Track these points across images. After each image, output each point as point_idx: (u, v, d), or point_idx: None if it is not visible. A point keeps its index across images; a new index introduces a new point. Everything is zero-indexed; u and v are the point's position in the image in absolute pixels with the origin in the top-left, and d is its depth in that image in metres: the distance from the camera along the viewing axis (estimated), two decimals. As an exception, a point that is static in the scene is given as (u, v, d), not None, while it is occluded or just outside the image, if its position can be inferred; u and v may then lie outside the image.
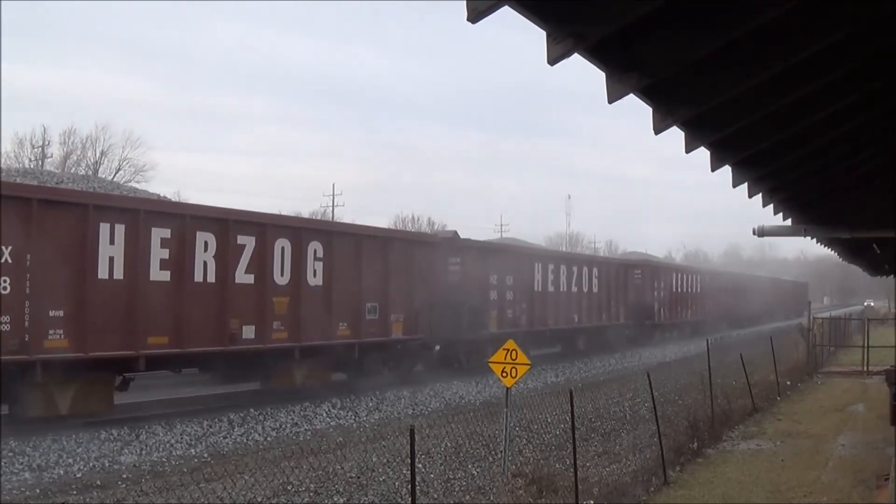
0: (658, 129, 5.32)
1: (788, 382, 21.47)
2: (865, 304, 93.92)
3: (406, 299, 21.32)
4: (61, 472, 11.77)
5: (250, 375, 18.31)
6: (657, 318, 40.25)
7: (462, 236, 29.29)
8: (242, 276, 16.67)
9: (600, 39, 4.21)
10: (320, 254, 18.61)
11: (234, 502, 8.64)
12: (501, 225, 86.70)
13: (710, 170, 6.70)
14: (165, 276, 15.27)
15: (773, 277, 79.55)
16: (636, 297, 37.86)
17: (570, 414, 9.85)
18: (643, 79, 4.66)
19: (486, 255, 25.82)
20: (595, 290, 32.79)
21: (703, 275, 50.10)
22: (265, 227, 17.42)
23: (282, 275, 17.58)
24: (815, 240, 15.14)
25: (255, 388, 18.78)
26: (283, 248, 17.65)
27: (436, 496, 9.94)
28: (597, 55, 4.44)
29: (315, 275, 18.46)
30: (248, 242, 16.84)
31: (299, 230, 18.56)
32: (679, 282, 44.12)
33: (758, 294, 60.60)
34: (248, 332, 16.68)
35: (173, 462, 12.53)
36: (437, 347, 23.64)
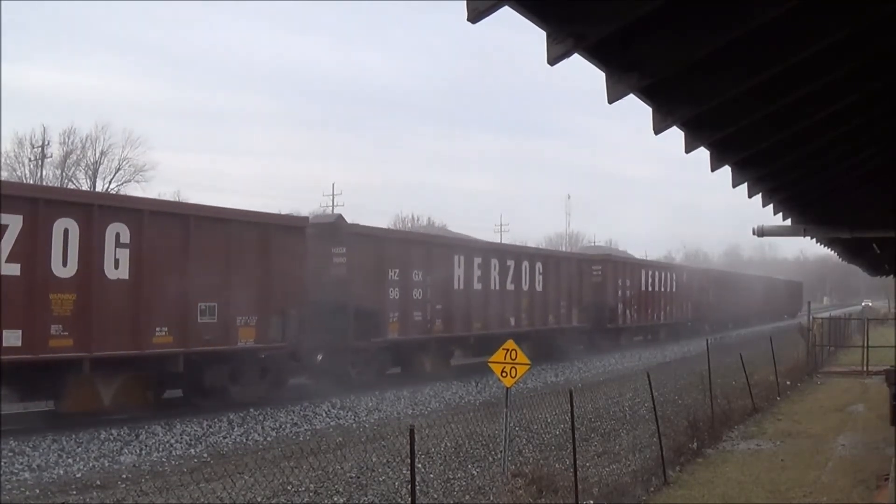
0: (658, 129, 5.32)
1: (788, 382, 21.48)
2: (863, 304, 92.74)
3: (261, 298, 17.14)
4: (61, 471, 11.77)
5: (29, 393, 14.76)
6: (621, 320, 35.72)
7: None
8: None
9: (600, 39, 4.21)
10: (125, 238, 14.81)
11: (233, 502, 8.64)
12: (501, 225, 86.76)
13: (710, 170, 6.70)
14: None
15: (763, 276, 76.15)
16: (595, 296, 33.43)
17: (569, 414, 9.85)
18: (643, 79, 4.66)
19: (383, 246, 21.32)
20: (539, 288, 28.27)
21: (679, 272, 45.41)
22: (37, 202, 13.73)
23: (64, 265, 13.89)
24: (815, 240, 15.14)
25: (47, 409, 15.43)
26: (66, 231, 13.95)
27: (436, 496, 9.94)
28: (597, 55, 4.43)
29: (117, 266, 14.68)
30: (13, 222, 13.21)
31: (91, 207, 14.58)
32: (649, 280, 39.43)
33: (746, 293, 56.77)
34: (11, 338, 13.05)
35: (173, 462, 12.53)
36: (320, 357, 19.99)
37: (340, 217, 21.33)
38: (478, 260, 25.04)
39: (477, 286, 24.85)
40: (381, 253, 21.11)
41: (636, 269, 38.44)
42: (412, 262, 22.09)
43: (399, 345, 21.85)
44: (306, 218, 22.48)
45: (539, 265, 28.67)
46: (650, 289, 39.34)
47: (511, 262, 26.95)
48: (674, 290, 42.74)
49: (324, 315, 18.79)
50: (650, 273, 40.05)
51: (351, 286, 20.00)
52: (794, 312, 76.97)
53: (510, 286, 26.61)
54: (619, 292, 35.43)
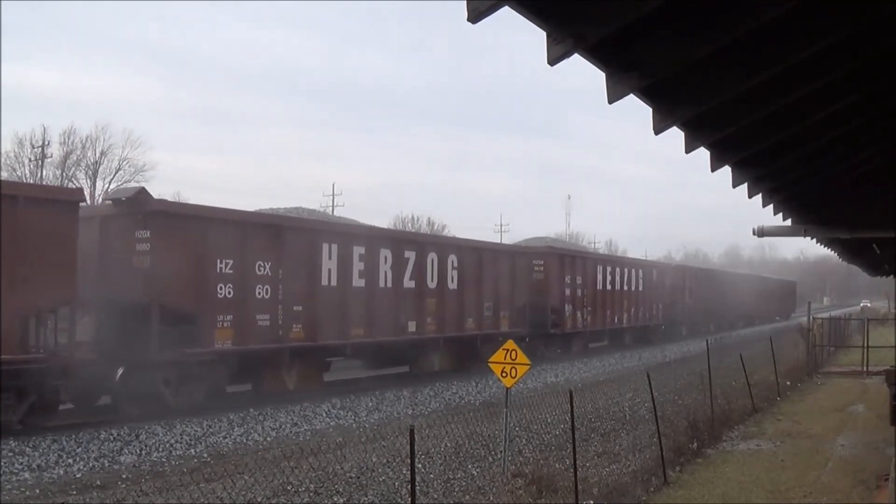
0: (658, 129, 5.32)
1: (788, 382, 21.47)
2: (862, 304, 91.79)
3: (5, 296, 12.91)
4: (61, 472, 11.77)
5: None
6: (569, 324, 30.36)
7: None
8: None
9: (600, 39, 4.22)
10: None
11: (233, 502, 8.64)
12: (501, 225, 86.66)
13: (710, 170, 6.70)
14: None
15: (752, 274, 71.88)
16: (536, 296, 28.36)
17: (569, 414, 9.85)
18: (643, 79, 4.67)
19: (207, 229, 16.33)
20: (453, 285, 23.31)
21: (647, 269, 40.04)
22: None
23: None
24: (814, 240, 15.14)
25: None
26: None
27: (436, 496, 9.94)
28: (597, 55, 4.44)
29: None
30: None
31: None
32: (608, 277, 34.22)
33: (731, 293, 52.26)
34: None
35: (173, 462, 12.53)
36: (120, 373, 15.41)
37: (143, 191, 16.74)
38: (359, 250, 20.00)
39: (358, 283, 19.86)
40: (206, 238, 16.21)
41: (590, 265, 33.09)
42: (255, 252, 17.14)
43: (237, 357, 17.00)
44: (80, 189, 18.66)
45: (453, 258, 23.51)
46: (609, 287, 34.22)
47: (411, 254, 21.83)
48: (640, 288, 37.69)
49: (118, 319, 15.22)
50: (609, 269, 34.70)
51: (156, 281, 15.51)
52: (788, 314, 74.48)
53: (409, 283, 21.58)
54: (568, 291, 30.41)
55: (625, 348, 35.26)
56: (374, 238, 21.28)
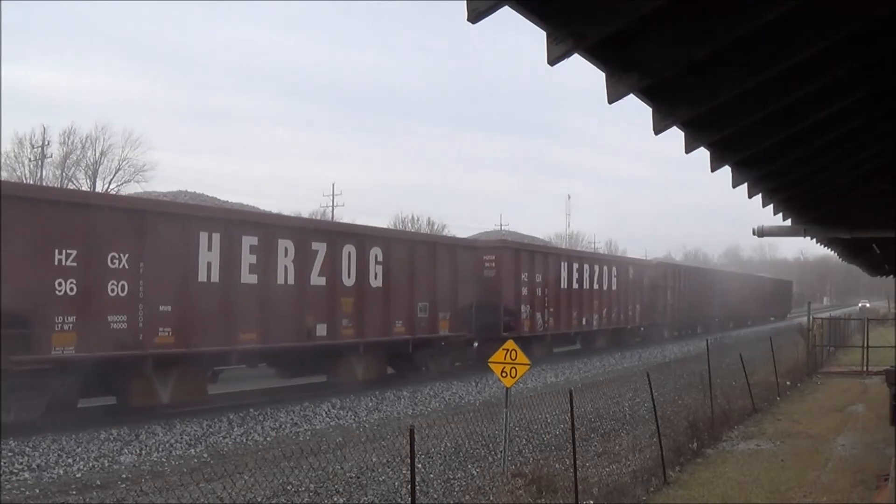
0: (658, 129, 5.32)
1: (788, 382, 21.48)
2: (860, 305, 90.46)
3: None
4: (61, 471, 11.77)
5: None
6: (526, 326, 27.00)
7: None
8: None
9: (600, 39, 4.22)
10: None
11: (233, 502, 8.64)
12: (501, 224, 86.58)
13: (710, 170, 6.70)
14: None
15: (746, 273, 70.05)
16: (486, 296, 25.01)
17: (569, 414, 9.85)
18: (643, 79, 4.66)
19: (44, 214, 13.65)
20: (376, 283, 20.30)
21: (621, 266, 36.82)
22: None
23: None
24: (814, 240, 15.14)
25: None
26: None
27: (436, 496, 9.94)
28: (597, 55, 4.44)
29: None
30: None
31: None
32: (574, 274, 30.67)
33: (721, 293, 49.76)
34: None
35: (173, 462, 12.53)
36: None
37: None
38: (250, 240, 16.96)
39: (248, 279, 16.84)
40: (40, 225, 13.57)
41: (553, 261, 29.62)
42: (107, 241, 14.44)
43: (84, 365, 14.18)
44: None
45: (376, 252, 20.43)
46: (577, 286, 30.90)
47: (320, 246, 18.80)
48: (614, 287, 34.38)
49: None
50: (576, 266, 31.25)
51: None
52: (784, 314, 72.58)
53: (318, 280, 18.63)
54: (525, 290, 27.08)
55: (597, 353, 32.55)
56: (270, 227, 18.03)
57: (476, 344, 25.19)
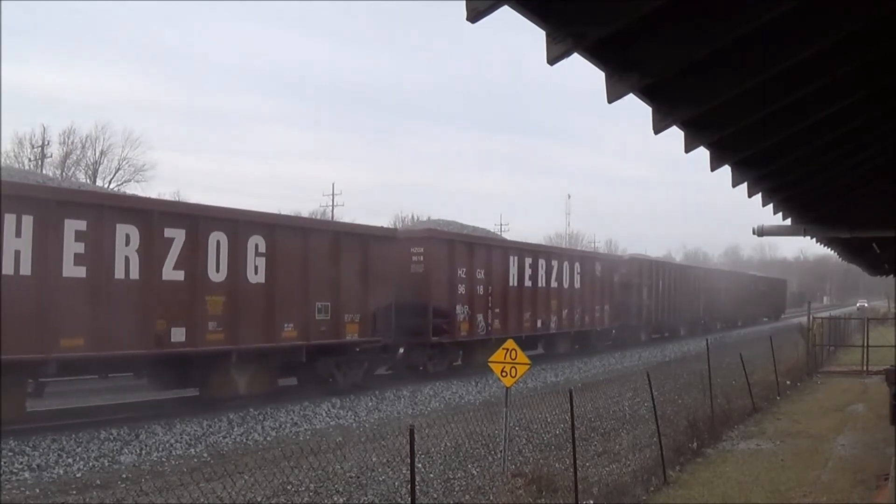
0: (658, 129, 5.32)
1: (788, 382, 21.48)
2: (858, 305, 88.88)
3: None
4: (61, 471, 11.78)
5: None
6: (463, 329, 23.58)
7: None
8: None
9: (600, 39, 4.22)
10: None
11: (233, 502, 8.64)
12: (501, 224, 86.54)
13: (710, 170, 6.70)
14: None
15: (737, 272, 67.12)
16: (411, 295, 21.57)
17: (569, 413, 9.85)
18: (643, 79, 4.66)
19: None
20: (258, 279, 16.90)
21: (587, 262, 32.67)
22: None
23: None
24: (814, 239, 15.14)
25: None
26: None
27: (435, 496, 9.94)
28: (596, 55, 4.44)
29: None
30: None
31: None
32: (527, 271, 27.16)
33: (710, 292, 47.33)
34: None
35: (173, 462, 12.53)
36: None
37: None
38: (76, 225, 13.92)
39: (73, 272, 13.84)
40: None
41: (498, 255, 25.86)
42: None
43: None
44: None
45: (257, 241, 16.96)
46: (529, 283, 27.32)
47: (177, 234, 15.40)
48: (577, 285, 30.70)
49: None
50: (528, 261, 27.42)
51: None
52: (778, 315, 69.95)
53: (173, 274, 15.23)
54: (463, 288, 23.57)
55: (556, 359, 29.05)
56: (104, 208, 14.49)
57: (402, 350, 22.07)
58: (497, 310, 25.28)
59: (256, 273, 16.99)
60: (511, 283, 26.27)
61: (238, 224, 16.72)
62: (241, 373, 17.00)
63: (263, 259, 17.10)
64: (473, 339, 24.14)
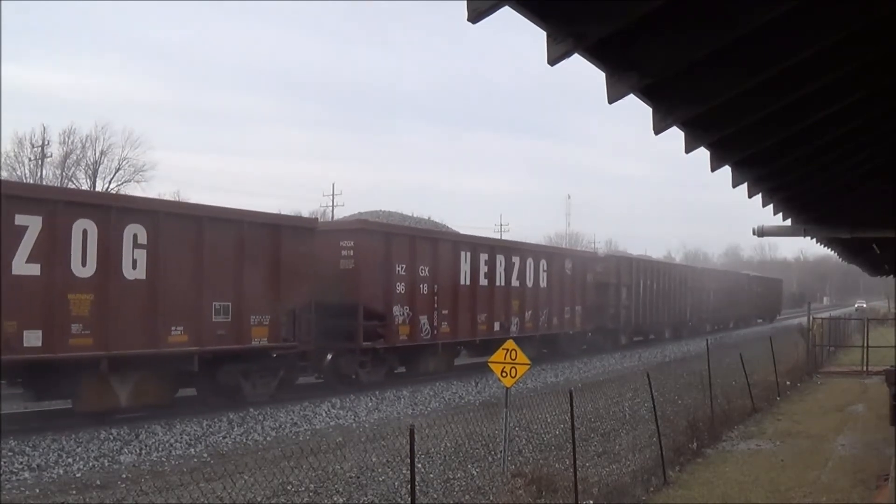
0: (658, 129, 5.32)
1: (788, 382, 21.48)
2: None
3: None
4: (61, 471, 11.77)
5: None
6: (403, 333, 21.12)
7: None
8: None
9: (600, 39, 4.22)
10: None
11: (233, 502, 8.64)
12: (501, 224, 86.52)
13: (710, 170, 6.70)
14: None
15: (728, 271, 64.73)
16: (340, 294, 19.43)
17: (569, 414, 9.85)
18: (643, 79, 4.66)
19: None
20: (137, 274, 14.78)
21: (555, 259, 29.58)
22: None
23: None
24: (814, 240, 15.14)
25: None
26: None
27: (435, 496, 9.94)
28: (597, 55, 4.44)
29: None
30: None
31: None
32: (482, 268, 24.33)
33: (697, 293, 45.07)
34: None
35: (173, 462, 12.53)
36: None
37: None
38: None
39: None
40: None
41: (446, 250, 23.05)
42: None
43: None
44: None
45: (136, 232, 14.80)
46: (485, 282, 24.53)
47: (31, 221, 13.30)
48: (542, 284, 27.96)
49: None
50: (482, 257, 24.55)
51: None
52: (773, 316, 67.55)
53: (26, 269, 13.25)
54: (402, 286, 21.04)
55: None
56: None
57: (329, 357, 20.01)
58: (445, 311, 22.75)
59: (135, 268, 14.71)
60: (463, 282, 23.60)
61: (111, 211, 14.55)
62: (121, 383, 15.01)
63: (144, 252, 14.84)
64: (416, 344, 21.79)
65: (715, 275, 52.84)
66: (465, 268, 23.74)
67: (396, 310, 20.98)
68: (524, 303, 26.87)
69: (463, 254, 23.77)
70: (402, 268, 21.15)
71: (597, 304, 32.49)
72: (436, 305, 22.39)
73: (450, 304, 22.96)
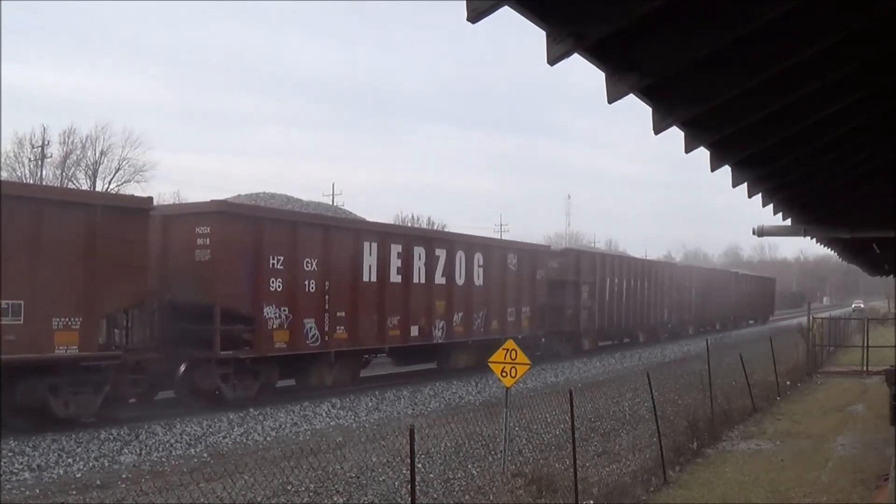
0: (658, 129, 5.32)
1: (788, 382, 21.48)
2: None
3: None
4: (61, 471, 11.77)
5: None
6: (281, 340, 17.54)
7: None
8: None
9: (600, 39, 4.22)
10: None
11: (233, 502, 8.64)
12: (501, 225, 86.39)
13: (710, 170, 6.70)
14: None
15: (715, 269, 61.84)
16: (192, 292, 16.32)
17: (569, 414, 9.85)
18: (643, 79, 4.66)
19: None
20: None
21: (496, 253, 25.38)
22: None
23: None
24: (814, 240, 15.14)
25: None
26: None
27: (436, 496, 9.94)
28: (597, 55, 4.44)
29: None
30: None
31: None
32: (395, 262, 20.81)
33: (678, 293, 41.97)
34: None
35: (173, 462, 12.53)
36: None
37: None
38: None
39: None
40: None
41: (342, 239, 19.39)
42: None
43: None
44: None
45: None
46: (398, 279, 20.91)
47: None
48: (479, 282, 24.09)
49: None
50: (395, 249, 20.96)
51: None
52: (765, 317, 64.66)
53: None
54: (278, 283, 17.46)
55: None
56: None
57: (183, 368, 16.60)
58: (341, 313, 19.01)
59: None
60: (366, 278, 19.87)
61: None
62: None
63: None
64: (299, 352, 18.07)
65: (699, 273, 48.78)
66: (369, 261, 20.02)
67: (269, 311, 17.27)
68: (452, 303, 22.99)
69: (367, 244, 19.95)
70: (277, 260, 17.44)
71: (551, 305, 28.67)
72: (327, 307, 18.67)
73: (347, 306, 19.25)
